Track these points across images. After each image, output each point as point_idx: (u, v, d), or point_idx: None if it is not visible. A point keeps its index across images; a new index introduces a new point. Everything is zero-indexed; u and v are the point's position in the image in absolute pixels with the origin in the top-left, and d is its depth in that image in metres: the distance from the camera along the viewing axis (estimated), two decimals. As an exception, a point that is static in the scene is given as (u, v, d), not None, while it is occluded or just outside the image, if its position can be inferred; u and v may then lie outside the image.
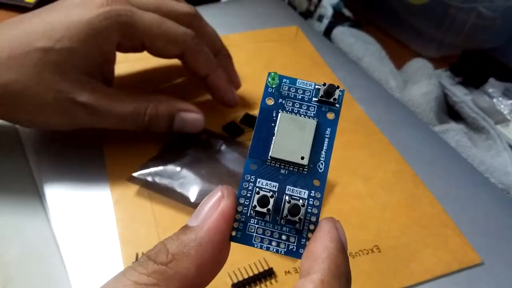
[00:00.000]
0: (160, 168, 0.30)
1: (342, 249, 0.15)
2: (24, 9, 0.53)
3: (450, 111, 0.46)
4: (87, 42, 0.28)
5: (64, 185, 0.30)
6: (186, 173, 0.30)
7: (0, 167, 0.31)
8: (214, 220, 0.15)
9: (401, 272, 0.27)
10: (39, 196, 0.30)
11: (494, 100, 0.44)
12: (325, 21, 0.54)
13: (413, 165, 0.34)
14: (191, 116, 0.32)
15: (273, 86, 0.17)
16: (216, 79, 0.34)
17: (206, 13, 0.50)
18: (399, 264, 0.28)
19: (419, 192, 0.32)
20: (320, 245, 0.15)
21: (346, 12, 0.57)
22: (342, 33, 0.51)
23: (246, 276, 0.26)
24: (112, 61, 0.31)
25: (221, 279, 0.26)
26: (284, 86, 0.17)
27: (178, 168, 0.30)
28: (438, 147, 0.37)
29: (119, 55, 0.31)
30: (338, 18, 0.56)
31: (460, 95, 0.45)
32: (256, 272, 0.26)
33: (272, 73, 0.17)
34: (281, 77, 0.17)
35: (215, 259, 0.15)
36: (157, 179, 0.29)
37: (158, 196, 0.29)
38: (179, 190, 0.29)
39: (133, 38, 0.30)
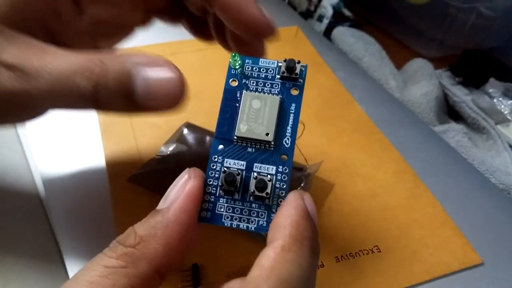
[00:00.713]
0: (160, 168, 0.30)
1: (306, 216, 0.15)
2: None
3: (450, 111, 0.46)
4: None
5: (64, 185, 0.30)
6: (186, 173, 0.30)
7: (0, 168, 0.31)
8: (181, 201, 0.15)
9: (401, 272, 0.27)
10: (39, 196, 0.30)
11: (495, 100, 0.44)
12: (325, 21, 0.54)
13: (413, 165, 0.34)
14: (160, 74, 0.18)
15: (236, 67, 0.17)
16: None
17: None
18: (399, 264, 0.28)
19: (419, 192, 0.32)
20: (284, 214, 0.15)
21: (346, 12, 0.57)
22: (342, 33, 0.51)
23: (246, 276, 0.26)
24: (65, 16, 0.21)
25: (221, 279, 0.26)
26: (247, 66, 0.17)
27: (178, 168, 0.30)
28: (438, 147, 0.37)
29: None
30: (338, 18, 0.56)
31: (461, 95, 0.45)
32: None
33: (234, 54, 0.17)
34: (243, 58, 0.17)
35: (182, 239, 0.15)
36: (157, 179, 0.29)
37: (158, 196, 0.29)
38: (179, 190, 0.29)
39: None
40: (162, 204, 0.16)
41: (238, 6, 0.19)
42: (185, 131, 0.33)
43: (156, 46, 0.43)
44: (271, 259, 0.14)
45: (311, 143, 0.34)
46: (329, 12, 0.54)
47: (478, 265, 0.28)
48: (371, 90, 0.42)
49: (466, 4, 0.47)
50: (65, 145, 0.33)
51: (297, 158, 0.34)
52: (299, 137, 0.19)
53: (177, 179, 0.16)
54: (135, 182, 0.30)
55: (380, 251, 0.28)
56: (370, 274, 0.27)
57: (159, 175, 0.30)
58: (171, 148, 0.32)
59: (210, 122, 0.35)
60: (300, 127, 0.17)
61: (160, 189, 0.29)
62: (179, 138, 0.33)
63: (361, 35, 0.51)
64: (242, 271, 0.26)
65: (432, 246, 0.29)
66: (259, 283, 0.14)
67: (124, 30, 0.27)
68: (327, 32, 0.53)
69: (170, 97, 0.18)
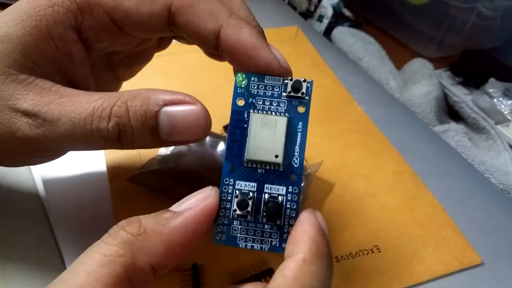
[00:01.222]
0: (160, 168, 0.30)
1: (321, 232, 0.15)
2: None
3: (450, 111, 0.46)
4: (25, 25, 0.19)
5: (64, 185, 0.30)
6: (186, 173, 0.30)
7: (0, 168, 0.31)
8: (195, 212, 0.15)
9: (401, 273, 0.27)
10: (39, 196, 0.30)
11: (495, 100, 0.44)
12: (325, 21, 0.54)
13: (413, 165, 0.34)
14: (184, 110, 0.18)
15: (242, 86, 0.17)
16: (234, 30, 0.19)
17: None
18: (399, 264, 0.28)
19: (419, 192, 0.32)
20: (301, 230, 0.15)
21: (346, 12, 0.57)
22: (342, 33, 0.51)
23: (245, 276, 0.26)
24: (76, 55, 0.20)
25: (221, 279, 0.26)
26: (253, 84, 0.17)
27: (178, 168, 0.30)
28: (438, 147, 0.37)
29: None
30: (338, 18, 0.56)
31: (460, 95, 0.45)
32: (255, 272, 0.26)
33: (240, 73, 0.17)
34: (249, 76, 0.17)
35: (184, 246, 0.15)
36: (157, 179, 0.29)
37: (158, 196, 0.29)
38: (179, 190, 0.29)
39: (93, 6, 0.20)
40: (175, 208, 0.16)
41: (250, 54, 0.18)
42: (185, 131, 0.33)
43: (156, 46, 0.43)
44: (294, 271, 0.14)
45: (311, 143, 0.34)
46: (329, 12, 0.54)
47: (478, 265, 0.28)
48: (371, 90, 0.42)
49: (466, 4, 0.47)
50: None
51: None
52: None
53: (197, 192, 0.16)
54: (135, 182, 0.30)
55: (380, 251, 0.28)
56: (370, 274, 0.27)
57: (159, 175, 0.30)
58: (171, 148, 0.32)
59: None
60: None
61: (160, 189, 0.29)
62: (179, 138, 0.33)
63: (361, 35, 0.51)
64: (242, 271, 0.26)
65: (432, 246, 0.29)
66: None
67: (141, 57, 0.27)
68: (327, 32, 0.53)
69: (194, 131, 0.18)
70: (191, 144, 0.32)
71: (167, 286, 0.25)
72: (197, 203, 0.16)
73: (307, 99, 0.17)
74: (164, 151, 0.32)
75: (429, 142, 0.38)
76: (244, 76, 0.17)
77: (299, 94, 0.17)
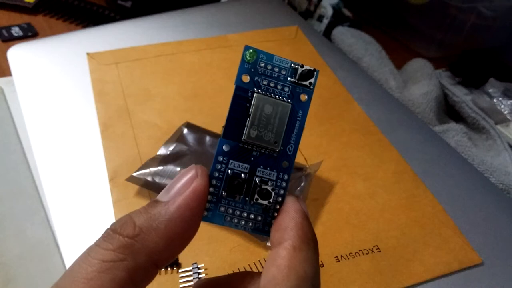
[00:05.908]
0: (160, 168, 0.30)
1: (306, 217, 0.15)
2: (24, 9, 0.53)
3: (450, 111, 0.46)
4: None
5: (64, 185, 0.30)
6: (186, 173, 0.30)
7: (0, 168, 0.31)
8: (186, 198, 0.15)
9: (401, 272, 0.27)
10: (39, 196, 0.30)
11: (494, 100, 0.44)
12: (325, 21, 0.54)
13: (413, 165, 0.34)
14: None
15: (250, 62, 0.16)
16: None
17: (206, 13, 0.50)
18: (399, 264, 0.28)
19: (419, 192, 0.32)
20: (287, 217, 0.15)
21: (346, 12, 0.57)
22: (342, 33, 0.51)
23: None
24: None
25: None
26: (260, 62, 0.16)
27: (178, 168, 0.30)
28: (438, 147, 0.37)
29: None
30: (338, 18, 0.56)
31: (460, 95, 0.45)
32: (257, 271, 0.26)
33: (250, 47, 0.16)
34: (258, 52, 0.16)
35: (184, 235, 0.15)
36: (157, 179, 0.29)
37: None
38: (179, 190, 0.29)
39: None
40: (163, 196, 0.15)
41: None
42: (185, 131, 0.33)
43: (156, 46, 0.43)
44: (287, 259, 0.14)
45: (311, 143, 0.34)
46: (329, 12, 0.54)
47: (478, 265, 0.28)
48: (371, 90, 0.42)
49: (466, 4, 0.47)
50: (65, 145, 0.33)
51: (297, 158, 0.34)
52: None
53: (182, 173, 0.16)
54: (135, 182, 0.30)
55: (380, 251, 0.28)
56: (370, 274, 0.27)
57: (159, 175, 0.30)
58: (171, 148, 0.32)
59: (210, 122, 0.35)
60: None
61: (160, 189, 0.29)
62: (179, 138, 0.33)
63: (361, 35, 0.51)
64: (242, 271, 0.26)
65: (432, 246, 0.29)
66: (282, 281, 0.14)
67: None
68: (327, 32, 0.53)
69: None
70: (191, 144, 0.32)
71: (167, 285, 0.25)
72: (185, 187, 0.15)
73: (311, 89, 0.17)
74: (164, 151, 0.32)
75: (429, 142, 0.38)
76: (253, 51, 0.16)
77: (307, 83, 0.16)
